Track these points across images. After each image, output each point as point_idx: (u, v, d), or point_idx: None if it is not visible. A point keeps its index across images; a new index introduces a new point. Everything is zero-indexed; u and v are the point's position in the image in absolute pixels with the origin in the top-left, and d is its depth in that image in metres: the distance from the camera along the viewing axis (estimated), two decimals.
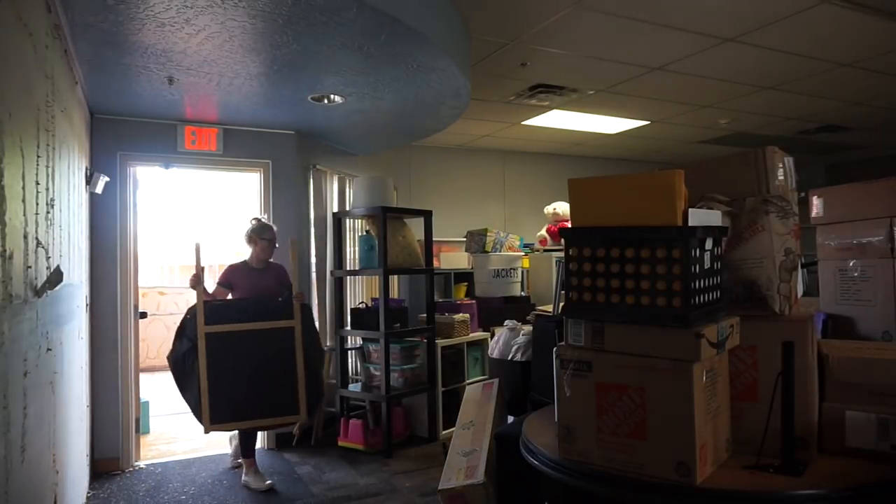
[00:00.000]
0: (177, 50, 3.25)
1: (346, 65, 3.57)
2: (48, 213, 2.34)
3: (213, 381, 3.98)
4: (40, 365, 2.14)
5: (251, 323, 4.14)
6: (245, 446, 4.22)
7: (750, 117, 6.15)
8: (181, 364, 4.05)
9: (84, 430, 3.87)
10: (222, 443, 5.14)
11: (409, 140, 6.30)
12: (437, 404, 5.11)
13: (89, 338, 4.29)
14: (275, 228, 4.47)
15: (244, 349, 4.08)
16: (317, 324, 5.54)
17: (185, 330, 4.07)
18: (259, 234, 4.36)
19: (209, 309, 4.08)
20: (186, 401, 4.08)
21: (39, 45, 2.20)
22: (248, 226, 4.42)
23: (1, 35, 1.62)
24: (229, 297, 4.33)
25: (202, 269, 4.18)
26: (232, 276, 4.36)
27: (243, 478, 4.18)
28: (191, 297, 9.98)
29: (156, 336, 8.69)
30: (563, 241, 1.79)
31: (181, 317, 4.17)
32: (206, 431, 4.04)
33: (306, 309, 4.40)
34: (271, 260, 4.47)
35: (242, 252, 4.58)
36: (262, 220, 4.51)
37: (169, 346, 4.19)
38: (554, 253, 5.91)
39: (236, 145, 5.00)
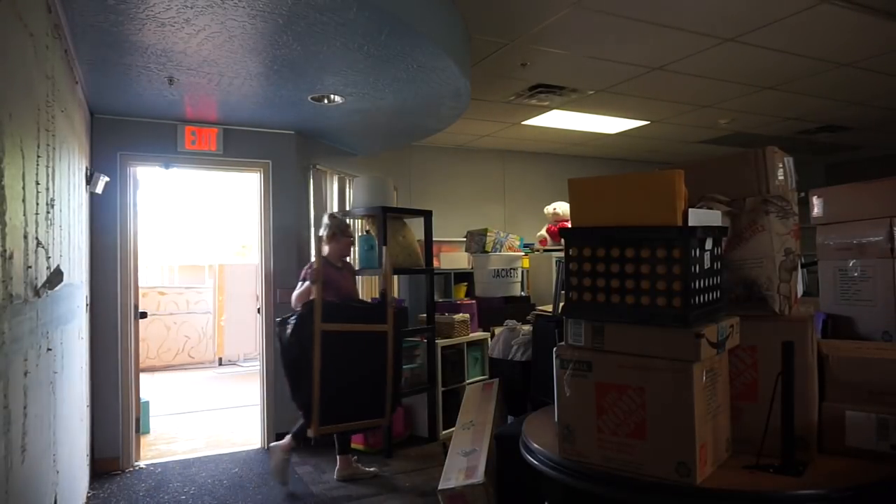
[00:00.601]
0: (177, 50, 3.25)
1: (346, 65, 3.57)
2: (48, 213, 2.34)
3: (323, 382, 3.86)
4: (40, 365, 2.14)
5: (356, 324, 4.03)
6: (344, 443, 4.25)
7: (750, 117, 6.15)
8: (295, 363, 3.90)
9: (84, 430, 3.87)
10: (222, 443, 5.15)
11: (409, 140, 6.30)
12: (437, 404, 5.11)
13: (89, 338, 4.28)
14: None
15: (348, 350, 3.98)
16: None
17: (303, 326, 3.85)
18: (343, 231, 4.31)
19: (323, 306, 3.91)
20: (297, 401, 3.94)
21: (40, 45, 2.20)
22: (326, 221, 4.34)
23: (1, 35, 1.62)
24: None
25: (322, 263, 4.07)
26: (324, 275, 4.15)
27: (341, 473, 4.22)
28: (191, 297, 9.95)
29: (156, 336, 8.68)
30: (563, 241, 1.79)
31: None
32: (314, 435, 3.93)
33: (398, 314, 4.31)
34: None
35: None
36: (338, 216, 4.42)
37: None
38: (554, 253, 5.91)
39: (236, 145, 5.00)
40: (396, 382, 4.23)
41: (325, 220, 4.38)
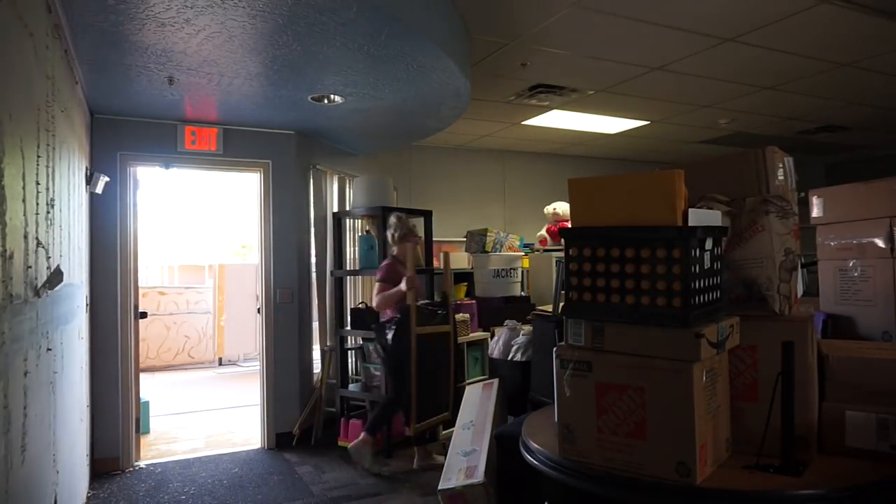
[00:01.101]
0: (177, 50, 3.25)
1: (346, 65, 3.57)
2: (48, 213, 2.34)
3: (419, 381, 4.12)
4: (40, 365, 2.14)
5: (436, 326, 4.29)
6: (381, 424, 4.37)
7: (750, 117, 6.15)
8: (398, 366, 4.14)
9: (84, 430, 3.87)
10: (222, 443, 5.16)
11: (409, 140, 6.30)
12: None
13: (89, 338, 4.29)
14: None
15: (428, 350, 4.19)
16: (316, 324, 5.56)
17: (403, 330, 4.12)
18: (412, 232, 4.43)
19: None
20: (403, 402, 4.17)
21: (40, 45, 2.20)
22: (394, 222, 4.44)
23: (1, 35, 1.62)
24: None
25: (393, 263, 4.25)
26: (397, 274, 4.35)
27: (354, 446, 4.29)
28: (191, 297, 9.95)
29: (156, 336, 8.68)
30: (563, 241, 1.79)
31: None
32: (414, 433, 4.20)
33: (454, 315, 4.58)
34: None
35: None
36: (404, 217, 4.55)
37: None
38: (554, 253, 5.91)
39: (236, 145, 5.00)
40: (457, 378, 4.49)
41: (393, 220, 4.49)
